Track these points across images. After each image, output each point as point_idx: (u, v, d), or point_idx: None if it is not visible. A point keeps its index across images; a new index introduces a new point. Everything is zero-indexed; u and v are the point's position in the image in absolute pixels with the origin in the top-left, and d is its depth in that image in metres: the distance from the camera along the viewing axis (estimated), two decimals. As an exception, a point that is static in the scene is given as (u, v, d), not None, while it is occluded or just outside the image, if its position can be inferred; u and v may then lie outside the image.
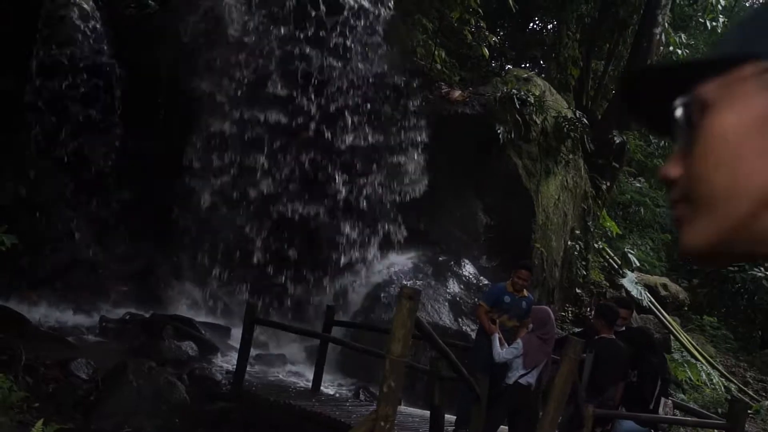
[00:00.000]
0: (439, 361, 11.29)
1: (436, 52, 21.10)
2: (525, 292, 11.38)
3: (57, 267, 17.06)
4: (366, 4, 19.44)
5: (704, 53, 1.11)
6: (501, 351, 10.53)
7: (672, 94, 1.08)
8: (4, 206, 16.16)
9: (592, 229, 23.50)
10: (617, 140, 24.61)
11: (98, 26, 18.39)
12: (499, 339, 10.75)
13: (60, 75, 17.68)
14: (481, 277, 17.92)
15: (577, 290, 22.99)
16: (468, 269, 18.06)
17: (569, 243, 21.82)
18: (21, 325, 14.06)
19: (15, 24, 17.27)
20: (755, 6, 1.11)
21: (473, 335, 14.65)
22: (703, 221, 1.02)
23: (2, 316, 14.13)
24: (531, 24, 31.82)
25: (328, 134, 18.37)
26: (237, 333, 14.42)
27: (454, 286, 17.38)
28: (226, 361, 14.65)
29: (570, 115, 21.56)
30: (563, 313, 21.43)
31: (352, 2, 19.21)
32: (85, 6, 18.29)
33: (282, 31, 18.66)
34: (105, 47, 18.43)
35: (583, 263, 23.13)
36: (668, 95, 1.08)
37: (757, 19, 1.06)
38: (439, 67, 21.24)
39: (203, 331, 15.74)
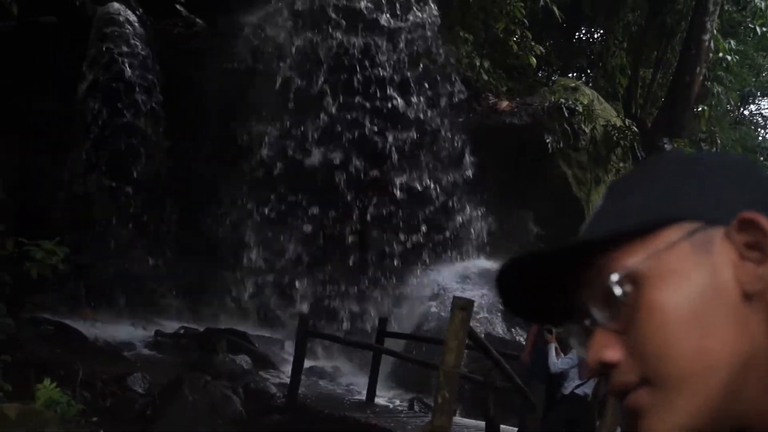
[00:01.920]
0: (493, 372, 11.26)
1: (480, 63, 21.07)
2: None
3: (111, 283, 17.29)
4: (411, 18, 19.45)
5: (594, 227, 1.02)
6: (556, 361, 10.47)
7: (558, 276, 1.01)
8: (58, 224, 16.43)
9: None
10: (668, 147, 24.34)
11: (145, 46, 18.64)
12: (555, 349, 10.69)
13: (108, 94, 17.94)
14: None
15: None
16: (520, 279, 17.95)
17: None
18: (78, 341, 14.27)
19: (65, 45, 17.60)
20: (653, 172, 1.04)
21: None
22: (678, 402, 0.90)
23: (59, 332, 14.35)
24: (577, 33, 31.62)
25: (377, 141, 18.39)
26: (290, 346, 14.48)
27: (506, 296, 17.29)
28: (280, 374, 14.68)
29: (619, 123, 21.42)
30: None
31: (390, 21, 19.23)
32: (133, 26, 18.54)
33: (328, 50, 18.74)
34: (152, 66, 18.67)
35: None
36: (553, 278, 1.01)
37: (669, 181, 1.00)
38: (485, 78, 21.22)
39: (257, 345, 15.82)
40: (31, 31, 17.11)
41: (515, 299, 1.07)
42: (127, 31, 18.40)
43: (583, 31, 32.11)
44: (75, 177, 17.54)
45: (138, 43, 18.55)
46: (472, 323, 8.80)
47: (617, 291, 0.94)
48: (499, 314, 16.58)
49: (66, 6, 17.72)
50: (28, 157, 16.68)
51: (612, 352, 0.95)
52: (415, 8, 19.61)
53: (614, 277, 0.94)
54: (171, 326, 16.58)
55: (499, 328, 16.27)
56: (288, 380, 12.63)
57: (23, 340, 10.46)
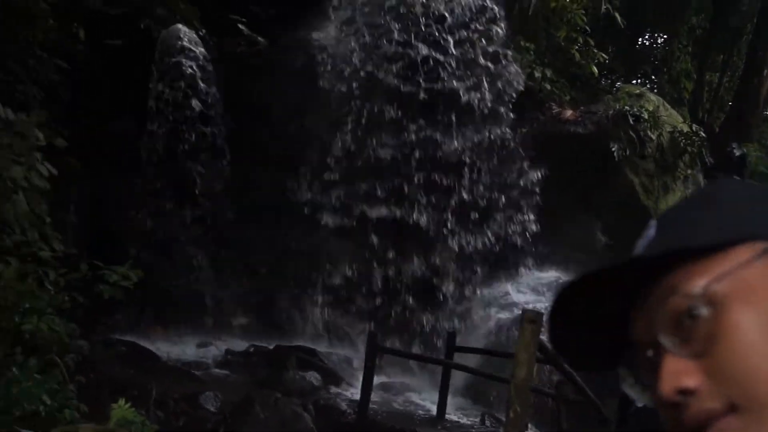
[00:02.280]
0: (565, 385, 11.13)
1: (543, 72, 20.94)
2: None
3: (182, 303, 17.50)
4: (477, 29, 19.41)
5: (651, 249, 0.99)
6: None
7: (611, 305, 0.99)
8: (127, 243, 16.71)
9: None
10: (737, 152, 23.94)
11: (209, 65, 18.89)
12: None
13: (173, 114, 18.21)
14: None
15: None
16: (588, 290, 17.72)
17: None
18: (150, 361, 14.48)
19: (131, 68, 17.93)
20: (711, 197, 1.00)
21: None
22: None
23: (132, 351, 14.58)
24: (640, 39, 31.29)
25: (442, 153, 18.37)
26: (360, 362, 14.48)
27: (575, 308, 17.07)
28: (351, 391, 14.68)
29: (686, 129, 21.10)
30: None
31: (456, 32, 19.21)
32: (197, 46, 18.81)
33: (392, 66, 18.78)
34: (216, 85, 18.92)
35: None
36: (605, 310, 0.99)
37: (733, 204, 0.98)
38: (548, 87, 21.08)
39: (326, 361, 15.84)
40: (99, 55, 17.47)
41: (565, 337, 1.06)
42: (191, 51, 18.67)
43: (647, 37, 31.79)
44: (143, 198, 17.83)
45: (202, 63, 18.81)
46: (542, 336, 8.69)
47: (702, 312, 0.90)
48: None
49: (131, 29, 18.07)
50: (98, 179, 16.98)
51: (691, 379, 0.91)
52: (480, 19, 19.56)
53: (695, 298, 0.91)
54: (241, 345, 16.71)
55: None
56: (358, 396, 12.62)
57: (97, 361, 10.64)
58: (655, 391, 0.95)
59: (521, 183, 18.82)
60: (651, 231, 1.04)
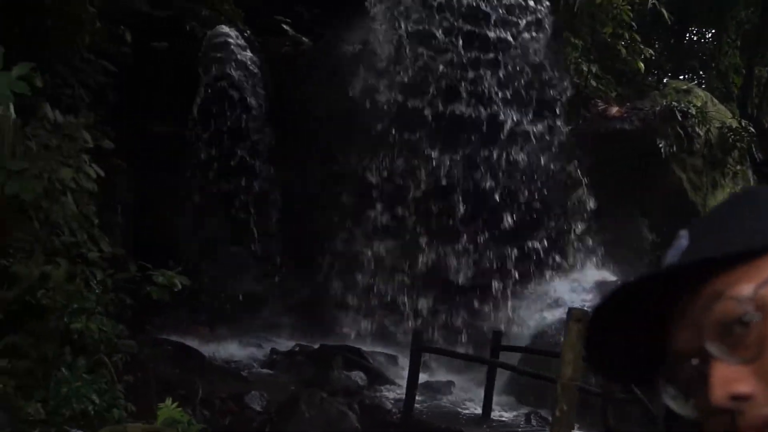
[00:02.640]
0: (612, 383, 11.03)
1: (588, 69, 20.76)
2: None
3: (227, 303, 17.62)
4: (524, 33, 19.29)
5: (688, 256, 0.97)
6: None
7: (648, 318, 0.97)
8: (173, 245, 16.85)
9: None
10: (787, 147, 23.57)
11: (253, 65, 19.00)
12: None
13: (218, 114, 18.35)
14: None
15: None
16: (635, 288, 17.51)
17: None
18: (196, 360, 14.61)
19: (176, 69, 18.09)
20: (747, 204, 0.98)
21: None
22: None
23: (179, 352, 14.72)
24: (688, 34, 30.89)
25: (488, 153, 18.28)
26: (405, 361, 14.47)
27: (622, 307, 16.89)
28: (395, 390, 14.68)
29: (735, 124, 20.82)
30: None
31: (500, 32, 19.10)
32: (241, 47, 18.93)
33: (437, 60, 18.72)
34: (260, 85, 19.03)
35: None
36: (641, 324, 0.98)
37: None
38: (594, 84, 20.90)
39: (371, 360, 15.87)
40: (145, 58, 17.65)
41: (601, 351, 1.04)
42: (236, 52, 18.80)
43: (694, 32, 31.36)
44: (189, 198, 17.98)
45: (246, 63, 18.94)
46: (589, 335, 8.61)
47: (754, 316, 0.89)
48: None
49: (176, 31, 18.23)
50: (144, 181, 17.15)
51: (744, 384, 0.89)
52: (526, 19, 19.45)
53: (744, 303, 0.89)
54: (286, 344, 16.80)
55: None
56: (403, 396, 12.61)
57: (144, 361, 10.73)
58: (702, 400, 0.94)
59: (567, 183, 18.65)
60: (683, 241, 1.01)
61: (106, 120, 14.42)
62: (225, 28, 19.03)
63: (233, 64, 18.65)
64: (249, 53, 19.01)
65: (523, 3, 19.35)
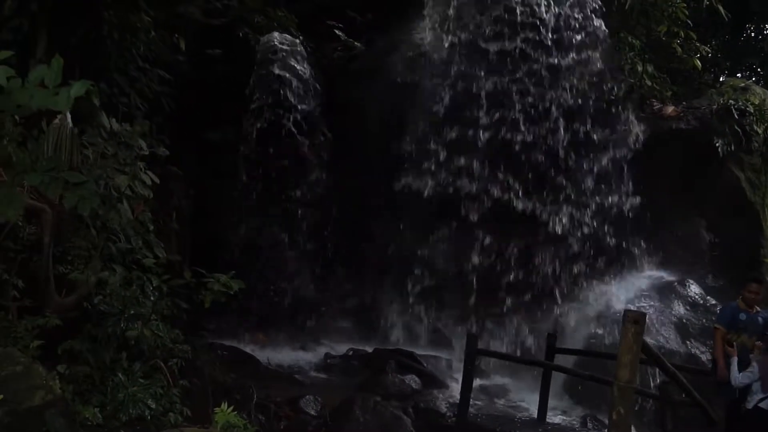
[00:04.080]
0: (670, 386, 10.91)
1: (643, 68, 20.52)
2: (757, 308, 10.75)
3: (281, 307, 17.75)
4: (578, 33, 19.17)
5: None
6: (738, 375, 10.03)
7: None
8: (228, 250, 17.03)
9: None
10: None
11: (307, 70, 19.12)
12: (738, 361, 10.24)
13: (272, 120, 18.47)
14: (708, 297, 17.13)
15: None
16: (693, 289, 17.31)
17: (804, 255, 20.59)
18: (251, 365, 14.72)
19: (230, 76, 18.25)
20: None
21: (703, 357, 14.00)
22: None
23: (234, 356, 14.85)
24: (745, 31, 30.38)
25: (539, 158, 18.18)
26: (458, 364, 14.42)
27: (679, 308, 16.69)
28: (450, 393, 14.62)
29: (794, 122, 20.42)
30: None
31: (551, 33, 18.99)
32: (294, 53, 19.04)
33: (487, 61, 18.67)
34: (314, 90, 19.13)
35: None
36: None
37: None
38: (649, 83, 20.65)
39: (425, 364, 15.85)
40: (200, 65, 17.84)
41: None
42: (289, 58, 18.91)
43: (752, 28, 30.82)
44: (243, 205, 18.13)
45: (300, 69, 19.06)
46: (645, 337, 8.53)
47: None
48: (672, 326, 16.03)
49: (230, 38, 18.40)
50: (199, 187, 17.33)
51: None
52: (581, 24, 19.35)
53: None
54: (340, 348, 16.86)
55: (674, 342, 15.70)
56: (457, 399, 12.56)
57: (200, 366, 10.82)
58: None
59: (625, 182, 18.45)
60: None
61: (161, 127, 14.62)
62: (278, 35, 19.16)
63: (286, 69, 18.77)
64: (301, 59, 19.12)
65: (576, 18, 19.24)
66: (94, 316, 8.44)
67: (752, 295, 10.62)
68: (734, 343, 10.40)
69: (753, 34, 31.16)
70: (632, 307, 14.57)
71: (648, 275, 17.87)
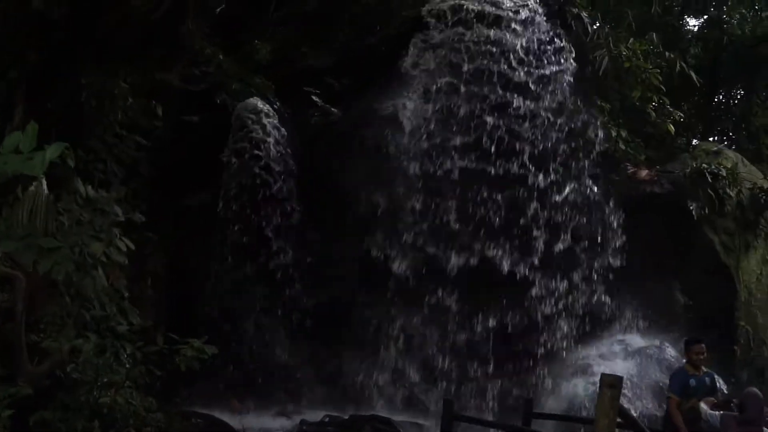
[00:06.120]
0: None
1: (617, 133, 20.77)
2: (703, 368, 11.01)
3: (256, 373, 17.61)
4: (545, 99, 19.40)
5: None
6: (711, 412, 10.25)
7: None
8: (203, 316, 16.96)
9: (802, 303, 22.21)
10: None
11: (283, 137, 19.23)
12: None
13: (249, 185, 18.51)
14: (684, 360, 17.16)
15: (792, 368, 21.63)
16: (670, 352, 17.32)
17: (777, 319, 20.70)
18: (225, 433, 14.53)
19: (207, 142, 18.34)
20: None
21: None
22: None
23: (208, 424, 14.64)
24: (717, 96, 30.88)
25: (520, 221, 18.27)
26: (436, 430, 14.33)
27: (656, 372, 16.72)
28: (428, 459, 14.54)
29: (766, 185, 20.68)
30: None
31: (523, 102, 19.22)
32: (271, 119, 19.18)
33: (460, 132, 18.86)
34: (290, 156, 19.22)
35: (796, 340, 21.82)
36: None
37: None
38: (623, 147, 20.90)
39: (401, 430, 15.72)
40: (176, 130, 17.92)
41: None
42: (265, 124, 19.04)
43: (723, 93, 31.34)
44: (219, 270, 18.08)
45: (277, 135, 19.16)
46: (622, 401, 8.54)
47: None
48: (650, 390, 16.02)
49: (207, 104, 18.52)
50: (174, 252, 17.30)
51: None
52: (552, 80, 19.62)
53: None
54: (315, 415, 16.68)
55: (651, 407, 15.68)
56: (436, 465, 12.48)
57: (174, 434, 10.72)
58: None
59: (600, 247, 18.56)
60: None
61: (138, 192, 14.66)
62: (254, 101, 19.31)
63: (263, 135, 18.87)
64: (278, 124, 19.25)
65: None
66: (66, 385, 8.39)
67: (699, 357, 10.85)
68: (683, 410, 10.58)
69: (724, 99, 31.69)
70: (608, 371, 14.57)
71: (624, 338, 17.89)
